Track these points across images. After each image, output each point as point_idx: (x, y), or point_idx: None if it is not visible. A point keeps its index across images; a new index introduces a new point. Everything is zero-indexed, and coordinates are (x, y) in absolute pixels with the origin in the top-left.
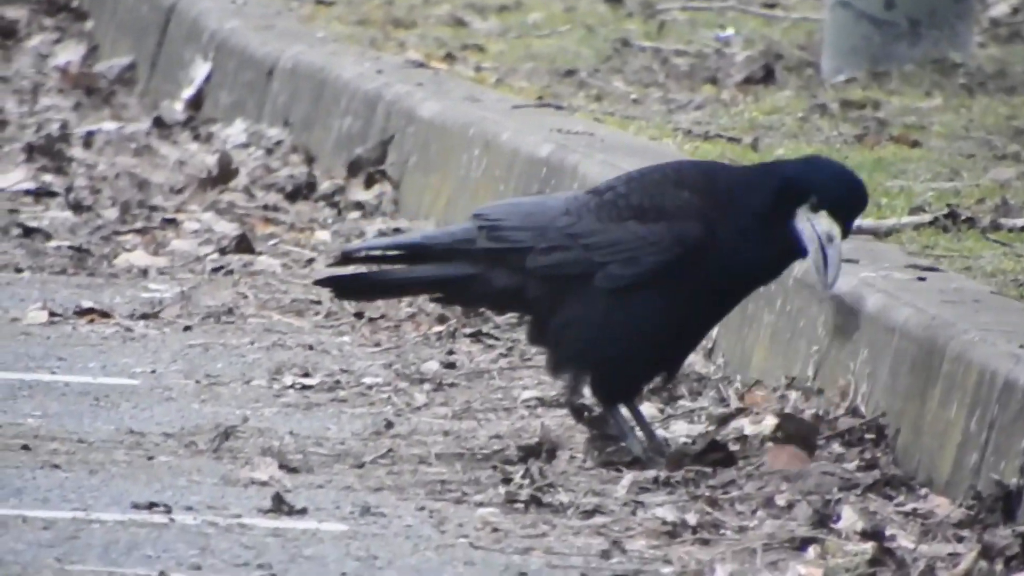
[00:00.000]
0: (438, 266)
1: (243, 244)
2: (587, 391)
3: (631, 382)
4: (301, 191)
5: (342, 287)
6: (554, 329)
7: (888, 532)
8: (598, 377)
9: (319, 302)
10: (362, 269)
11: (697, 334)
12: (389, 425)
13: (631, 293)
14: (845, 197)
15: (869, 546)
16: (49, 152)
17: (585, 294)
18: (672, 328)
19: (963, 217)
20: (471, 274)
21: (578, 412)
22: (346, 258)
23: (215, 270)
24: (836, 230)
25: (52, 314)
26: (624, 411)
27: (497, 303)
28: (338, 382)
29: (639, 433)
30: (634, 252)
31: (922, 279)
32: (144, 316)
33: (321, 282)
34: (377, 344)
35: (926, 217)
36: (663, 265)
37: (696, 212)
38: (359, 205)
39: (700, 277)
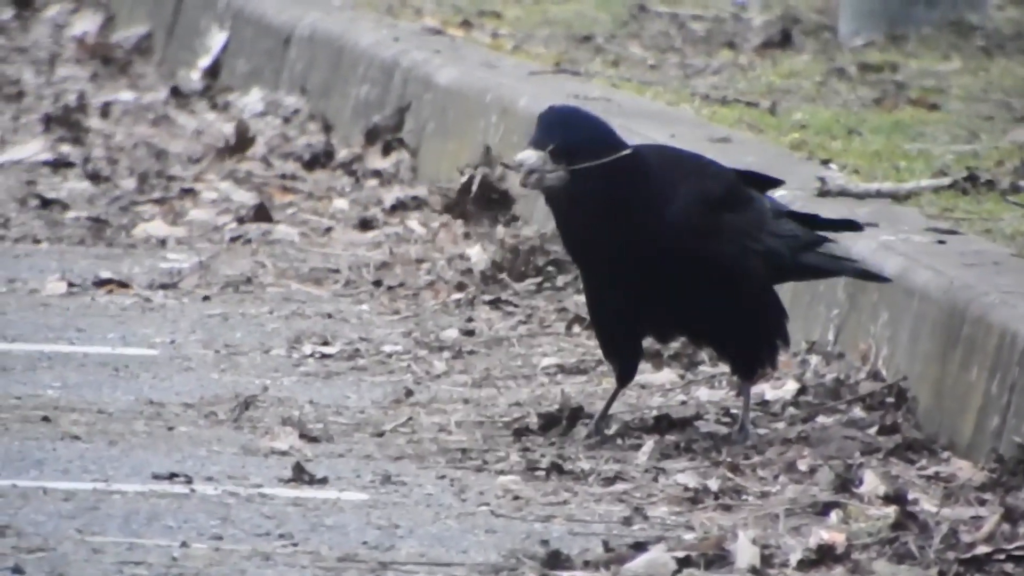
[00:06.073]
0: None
1: (261, 213)
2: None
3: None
4: (319, 159)
5: None
6: None
7: (910, 496)
8: None
9: (337, 271)
10: None
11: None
12: (409, 393)
13: None
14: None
15: (891, 510)
16: (66, 123)
17: None
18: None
19: (983, 180)
20: None
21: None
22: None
23: (233, 239)
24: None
25: (71, 285)
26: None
27: None
28: (357, 351)
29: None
30: None
31: (942, 242)
32: (163, 286)
33: None
34: (396, 312)
35: (945, 180)
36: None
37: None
38: (377, 173)
39: None
